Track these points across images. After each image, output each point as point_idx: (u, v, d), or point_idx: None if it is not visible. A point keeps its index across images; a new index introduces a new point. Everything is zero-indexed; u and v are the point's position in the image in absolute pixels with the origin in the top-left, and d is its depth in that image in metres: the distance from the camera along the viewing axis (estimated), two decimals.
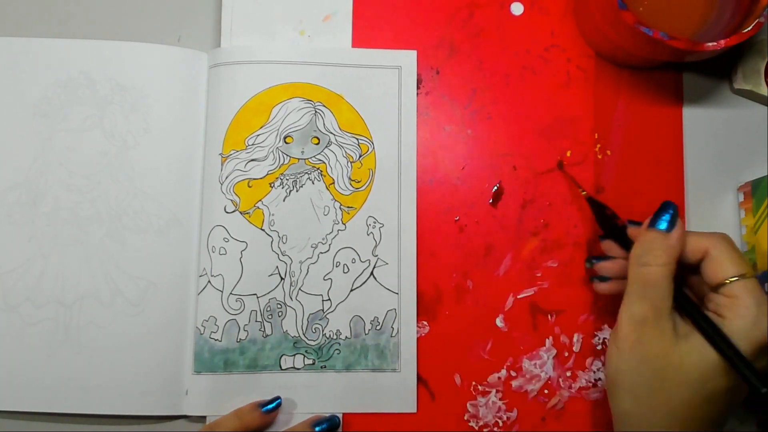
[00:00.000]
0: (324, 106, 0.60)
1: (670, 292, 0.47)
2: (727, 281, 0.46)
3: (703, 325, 0.46)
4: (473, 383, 0.59)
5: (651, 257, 0.48)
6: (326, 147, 0.60)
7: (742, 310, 0.45)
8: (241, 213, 0.59)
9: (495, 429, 0.58)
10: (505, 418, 0.58)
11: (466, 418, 0.58)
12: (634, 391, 0.47)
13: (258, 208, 0.59)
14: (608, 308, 0.59)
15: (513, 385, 0.59)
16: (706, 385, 0.46)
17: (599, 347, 0.59)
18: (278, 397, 0.56)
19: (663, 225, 0.49)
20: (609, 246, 0.56)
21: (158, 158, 0.59)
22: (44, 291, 0.57)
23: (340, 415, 0.57)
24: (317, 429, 0.55)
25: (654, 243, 0.48)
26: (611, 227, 0.56)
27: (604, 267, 0.56)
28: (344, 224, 0.59)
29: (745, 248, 0.60)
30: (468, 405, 0.58)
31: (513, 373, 0.59)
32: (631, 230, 0.53)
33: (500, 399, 0.58)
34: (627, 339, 0.47)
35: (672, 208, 0.50)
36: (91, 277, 0.58)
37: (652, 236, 0.49)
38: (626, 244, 0.53)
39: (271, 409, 0.55)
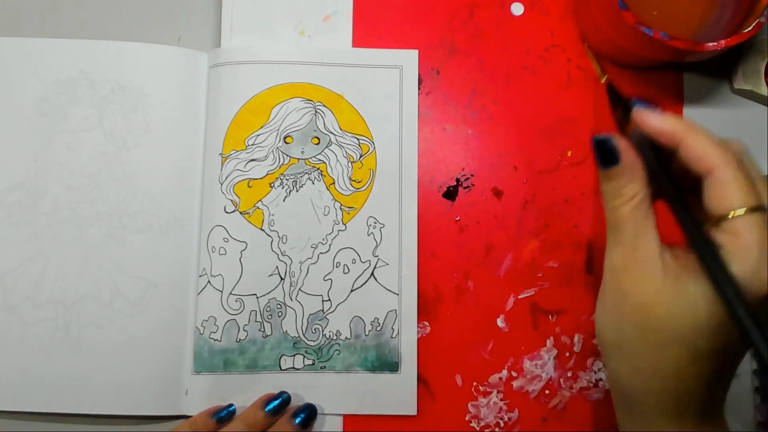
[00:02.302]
0: (324, 106, 0.60)
1: (647, 230, 0.41)
2: (730, 215, 0.39)
3: (709, 260, 0.39)
4: (474, 384, 0.59)
5: (618, 196, 0.42)
6: (326, 147, 0.60)
7: (744, 254, 0.38)
8: (241, 213, 0.59)
9: (496, 429, 0.58)
10: (506, 419, 0.58)
11: (467, 418, 0.58)
12: (619, 351, 0.43)
13: (258, 208, 0.59)
14: None
15: (514, 386, 0.59)
16: (698, 343, 0.39)
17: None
18: (284, 392, 0.56)
19: (612, 163, 0.42)
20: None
21: (158, 158, 0.59)
22: (44, 291, 0.57)
23: (341, 416, 0.57)
24: (297, 421, 0.55)
25: (617, 178, 0.42)
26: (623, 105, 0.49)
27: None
28: (344, 224, 0.59)
29: None
30: (469, 405, 0.58)
31: (514, 374, 0.59)
32: (636, 112, 0.45)
33: (501, 399, 0.58)
34: (609, 291, 0.43)
35: (606, 142, 0.43)
36: (90, 277, 0.58)
37: (609, 174, 0.43)
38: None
39: (276, 406, 0.55)
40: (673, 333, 0.40)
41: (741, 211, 0.38)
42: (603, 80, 0.56)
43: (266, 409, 0.55)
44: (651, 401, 0.42)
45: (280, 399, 0.55)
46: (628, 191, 0.42)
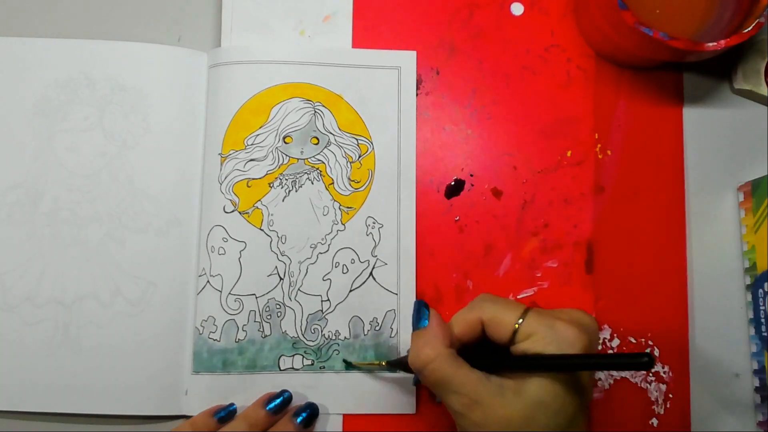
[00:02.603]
0: (323, 106, 0.60)
1: (463, 372, 0.45)
2: (515, 327, 0.46)
3: (539, 361, 0.45)
4: None
5: (420, 359, 0.47)
6: (325, 147, 0.60)
7: (543, 341, 0.45)
8: (240, 213, 0.58)
9: None
10: None
11: None
12: None
13: (257, 208, 0.59)
14: (608, 308, 0.59)
15: None
16: (559, 422, 0.44)
17: (599, 347, 0.59)
18: (285, 391, 0.56)
19: (422, 324, 0.48)
20: None
21: (158, 158, 0.59)
22: (44, 291, 0.57)
23: (341, 416, 0.57)
24: (299, 420, 0.55)
25: (417, 345, 0.47)
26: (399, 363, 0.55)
27: None
28: (343, 224, 0.59)
29: (745, 248, 0.60)
30: None
31: None
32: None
33: None
34: (464, 426, 0.46)
35: (422, 305, 0.49)
36: (90, 277, 0.58)
37: (414, 340, 0.48)
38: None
39: (277, 405, 0.55)
40: (538, 428, 0.44)
41: (519, 320, 0.46)
42: (384, 363, 0.57)
43: (267, 408, 0.55)
44: None
45: (282, 398, 0.55)
46: (431, 351, 0.46)
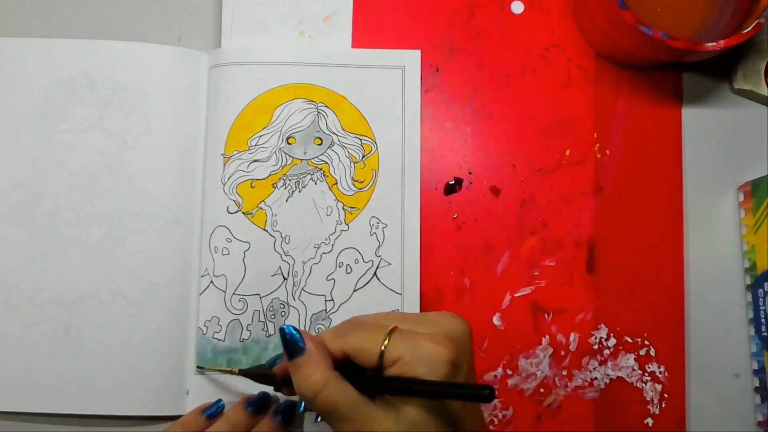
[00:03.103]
0: (326, 106, 0.60)
1: (351, 396, 0.44)
2: (381, 352, 0.43)
3: (395, 385, 0.43)
4: None
5: (310, 390, 0.44)
6: (329, 147, 0.60)
7: (409, 364, 0.42)
8: (244, 213, 0.59)
9: (491, 427, 0.58)
10: (500, 417, 0.58)
11: None
12: None
13: (261, 208, 0.59)
14: (606, 307, 0.60)
15: (509, 384, 0.59)
16: None
17: (596, 347, 0.59)
18: (264, 392, 0.56)
19: (299, 347, 0.45)
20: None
21: (158, 158, 0.59)
22: (44, 291, 0.57)
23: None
24: (279, 418, 0.55)
25: (299, 374, 0.45)
26: (263, 378, 0.53)
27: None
28: (347, 224, 0.59)
29: (745, 248, 0.60)
30: None
31: (509, 372, 0.59)
32: (277, 368, 0.51)
33: (496, 397, 0.58)
34: None
35: (289, 329, 0.46)
36: (91, 277, 0.58)
37: (295, 366, 0.45)
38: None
39: (257, 405, 0.55)
40: None
41: (383, 346, 0.43)
42: (236, 372, 0.55)
43: (248, 409, 0.55)
44: None
45: (261, 398, 0.55)
46: (320, 377, 0.44)
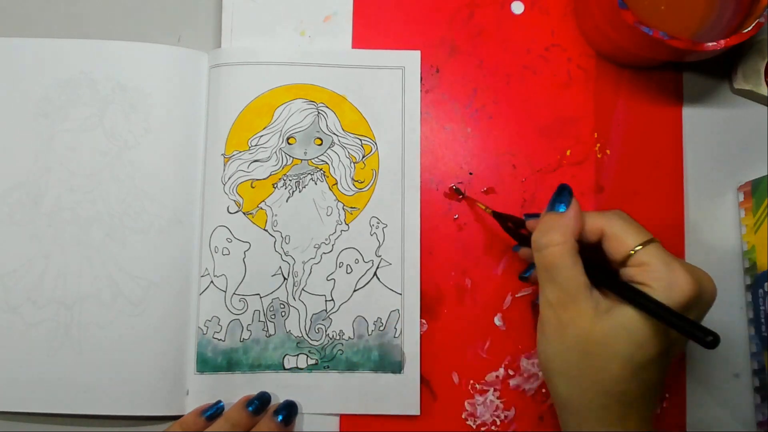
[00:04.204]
0: (327, 107, 0.60)
1: (576, 270, 0.46)
2: (632, 252, 0.46)
3: (628, 292, 0.45)
4: (471, 382, 0.59)
5: (547, 239, 0.47)
6: (329, 148, 0.60)
7: (654, 274, 0.45)
8: (244, 213, 0.59)
9: (493, 428, 0.58)
10: (502, 417, 0.58)
11: (464, 416, 0.58)
12: (565, 375, 0.47)
13: (261, 208, 0.59)
14: None
15: (511, 384, 0.59)
16: (635, 357, 0.45)
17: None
18: (264, 392, 0.56)
19: (558, 207, 0.49)
20: (525, 253, 0.56)
21: (159, 158, 0.59)
22: (45, 291, 0.57)
23: (337, 417, 0.57)
24: (279, 418, 0.55)
25: (548, 224, 0.48)
26: (519, 237, 0.56)
27: (526, 253, 0.55)
28: (347, 225, 0.59)
29: (745, 248, 0.60)
30: (466, 404, 0.58)
31: (511, 372, 0.59)
32: (529, 223, 0.53)
33: (498, 398, 0.59)
34: (549, 324, 0.47)
35: (566, 190, 0.49)
36: (92, 278, 0.58)
37: (546, 219, 0.49)
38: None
39: (257, 405, 0.55)
40: (612, 353, 0.45)
41: (639, 247, 0.46)
42: (488, 211, 0.58)
43: (249, 409, 0.55)
44: (598, 414, 0.46)
45: (261, 398, 0.56)
46: (561, 236, 0.47)
